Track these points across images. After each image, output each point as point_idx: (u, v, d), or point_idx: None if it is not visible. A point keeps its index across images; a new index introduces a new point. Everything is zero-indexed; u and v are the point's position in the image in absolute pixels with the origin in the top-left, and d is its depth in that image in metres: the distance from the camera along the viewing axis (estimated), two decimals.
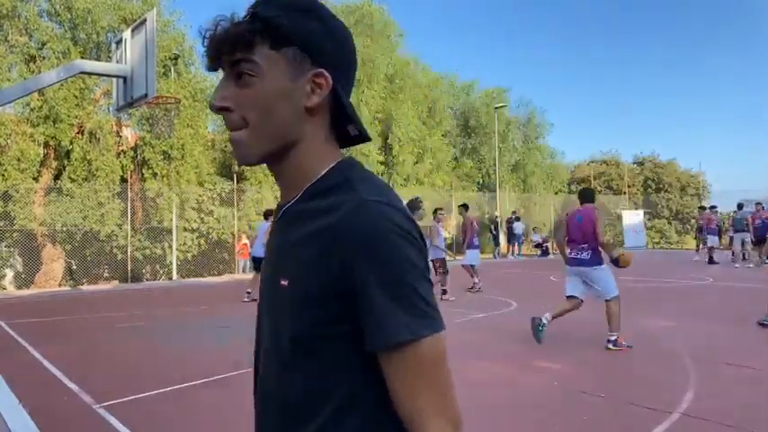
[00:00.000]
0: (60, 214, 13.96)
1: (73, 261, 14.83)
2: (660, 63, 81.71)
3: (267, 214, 9.87)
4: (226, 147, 17.70)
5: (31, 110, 13.89)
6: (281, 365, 0.79)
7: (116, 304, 10.31)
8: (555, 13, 75.59)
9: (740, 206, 15.95)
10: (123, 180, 15.20)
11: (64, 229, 14.19)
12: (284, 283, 0.77)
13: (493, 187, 24.79)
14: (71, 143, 14.42)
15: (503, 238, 23.14)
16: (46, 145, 14.23)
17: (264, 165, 0.84)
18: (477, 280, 10.85)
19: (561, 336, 6.34)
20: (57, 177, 14.75)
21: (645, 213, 26.89)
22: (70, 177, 14.41)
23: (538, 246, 23.07)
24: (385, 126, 21.36)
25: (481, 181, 26.24)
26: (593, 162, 32.43)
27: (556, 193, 29.02)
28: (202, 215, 16.12)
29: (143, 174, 15.47)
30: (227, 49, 0.77)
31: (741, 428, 3.44)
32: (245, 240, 16.19)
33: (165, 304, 10.48)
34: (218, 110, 0.79)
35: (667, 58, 79.79)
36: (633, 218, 25.12)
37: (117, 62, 7.97)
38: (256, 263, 9.92)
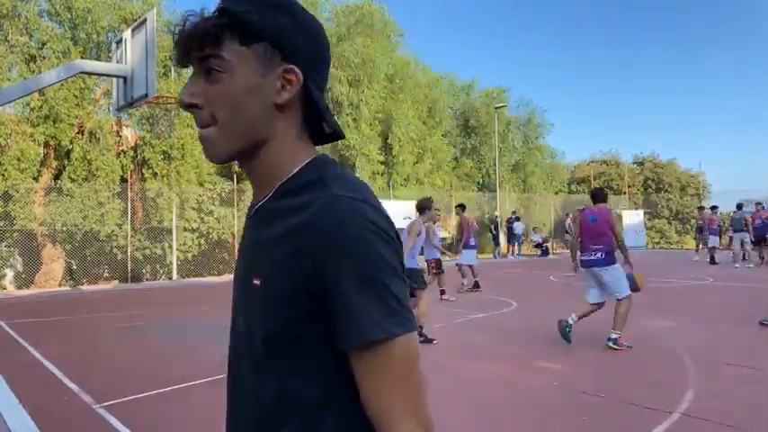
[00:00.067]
0: (60, 214, 13.96)
1: (73, 261, 14.82)
2: (660, 63, 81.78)
3: None
4: None
5: (31, 110, 13.88)
6: (255, 365, 0.78)
7: (116, 304, 10.31)
8: (555, 13, 75.63)
9: (739, 206, 15.95)
10: (123, 180, 15.19)
11: (64, 228, 14.18)
12: (257, 282, 0.76)
13: (493, 187, 24.79)
14: (71, 143, 14.41)
15: (503, 238, 23.12)
16: (46, 145, 14.22)
17: None
18: (464, 281, 10.85)
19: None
20: (57, 177, 14.74)
21: (645, 213, 26.89)
22: (70, 177, 14.41)
23: (538, 246, 23.07)
24: (385, 126, 21.35)
25: (481, 181, 26.24)
26: (593, 162, 32.42)
27: (556, 193, 29.02)
28: (202, 215, 16.12)
29: (143, 174, 15.46)
30: (195, 44, 0.76)
31: (741, 428, 3.44)
32: None
33: (166, 304, 10.48)
34: (187, 106, 0.78)
35: (667, 58, 79.84)
36: (633, 218, 25.11)
37: (117, 62, 7.97)
38: None
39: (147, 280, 15.31)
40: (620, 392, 4.28)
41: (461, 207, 10.95)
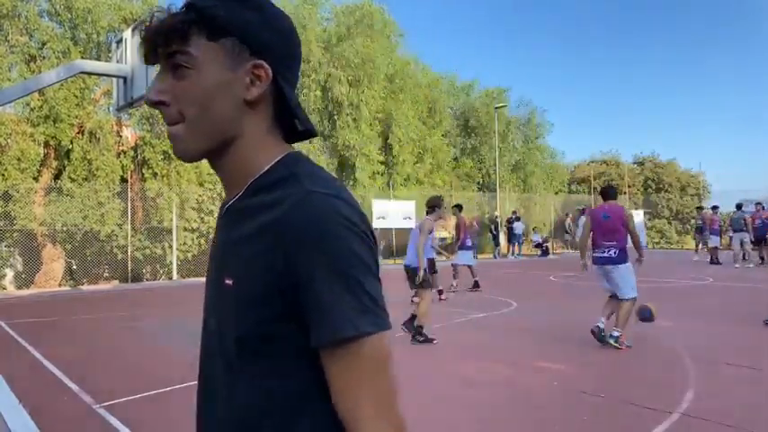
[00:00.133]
0: (60, 214, 13.96)
1: (73, 261, 14.82)
2: (660, 63, 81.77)
3: None
4: None
5: (32, 110, 13.89)
6: (227, 366, 0.76)
7: (116, 304, 10.31)
8: (555, 13, 75.64)
9: (739, 206, 15.96)
10: (123, 180, 15.19)
11: (64, 228, 14.18)
12: (229, 282, 0.75)
13: (493, 187, 24.79)
14: (71, 143, 14.41)
15: (503, 238, 23.13)
16: (46, 145, 14.22)
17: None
18: (455, 282, 10.83)
19: (561, 336, 6.34)
20: (57, 177, 14.74)
21: (645, 213, 26.87)
22: (70, 177, 14.41)
23: (538, 246, 23.08)
24: (385, 126, 21.35)
25: (481, 181, 26.24)
26: (593, 162, 32.44)
27: (556, 193, 29.03)
28: (202, 215, 16.12)
29: (143, 174, 15.47)
30: (161, 40, 0.75)
31: (741, 428, 3.44)
32: None
33: (166, 304, 10.48)
34: (154, 104, 0.77)
35: (667, 58, 79.84)
36: (633, 218, 25.10)
37: (117, 62, 7.96)
38: None
39: (147, 280, 15.31)
40: (620, 392, 4.27)
41: (458, 207, 10.96)
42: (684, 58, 69.49)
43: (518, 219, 22.28)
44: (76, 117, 14.27)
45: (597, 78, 70.38)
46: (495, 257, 22.04)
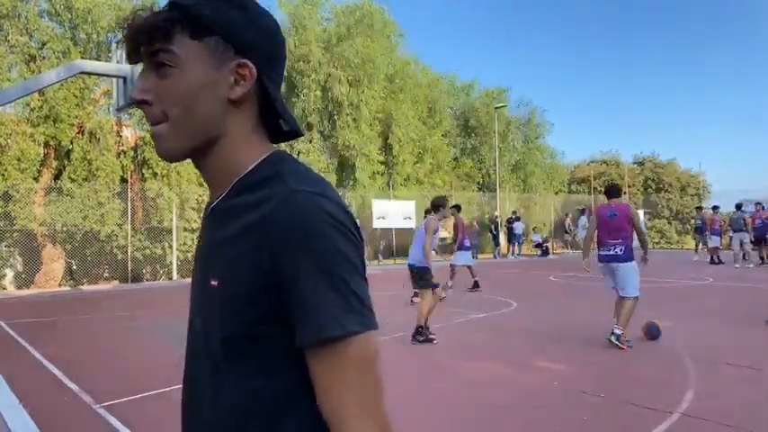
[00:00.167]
0: (60, 214, 13.96)
1: (73, 261, 14.82)
2: (660, 63, 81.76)
3: None
4: None
5: (32, 110, 13.89)
6: (213, 367, 0.76)
7: (116, 304, 10.32)
8: (555, 13, 75.64)
9: (738, 206, 15.97)
10: (123, 180, 15.20)
11: (64, 229, 14.18)
12: (214, 283, 0.74)
13: (493, 187, 24.79)
14: (71, 143, 14.42)
15: (503, 238, 23.14)
16: (46, 145, 14.23)
17: None
18: (449, 283, 10.83)
19: (561, 336, 6.34)
20: (57, 177, 14.75)
21: (645, 213, 26.89)
22: (70, 177, 14.41)
23: (538, 246, 23.08)
24: (385, 126, 21.36)
25: (481, 181, 26.25)
26: (593, 162, 32.45)
27: (556, 193, 29.04)
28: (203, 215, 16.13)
29: (143, 174, 15.47)
30: (144, 39, 0.74)
31: (741, 428, 3.44)
32: None
33: (166, 304, 10.48)
34: (137, 103, 0.76)
35: (667, 58, 79.83)
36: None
37: (117, 62, 7.95)
38: None
39: (147, 280, 15.31)
40: (620, 392, 4.27)
41: (457, 208, 10.96)
42: (684, 58, 69.55)
43: (518, 219, 22.29)
44: (76, 117, 14.27)
45: (597, 78, 70.46)
46: (495, 257, 22.05)
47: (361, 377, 0.69)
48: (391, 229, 19.96)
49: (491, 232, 22.67)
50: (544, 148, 28.85)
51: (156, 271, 15.95)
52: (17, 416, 3.89)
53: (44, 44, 14.04)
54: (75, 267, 14.82)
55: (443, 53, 65.79)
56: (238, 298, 0.71)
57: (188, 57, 0.74)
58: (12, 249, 14.23)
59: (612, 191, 6.18)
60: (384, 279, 13.36)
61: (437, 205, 6.69)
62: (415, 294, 8.96)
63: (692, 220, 21.86)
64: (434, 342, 6.10)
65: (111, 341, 6.69)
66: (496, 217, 22.69)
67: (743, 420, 3.57)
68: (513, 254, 22.17)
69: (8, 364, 5.44)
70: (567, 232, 24.06)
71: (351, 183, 20.51)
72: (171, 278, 15.34)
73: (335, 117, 19.83)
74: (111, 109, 14.74)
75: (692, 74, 67.47)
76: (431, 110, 24.10)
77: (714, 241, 16.79)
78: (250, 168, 0.77)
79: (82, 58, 13.72)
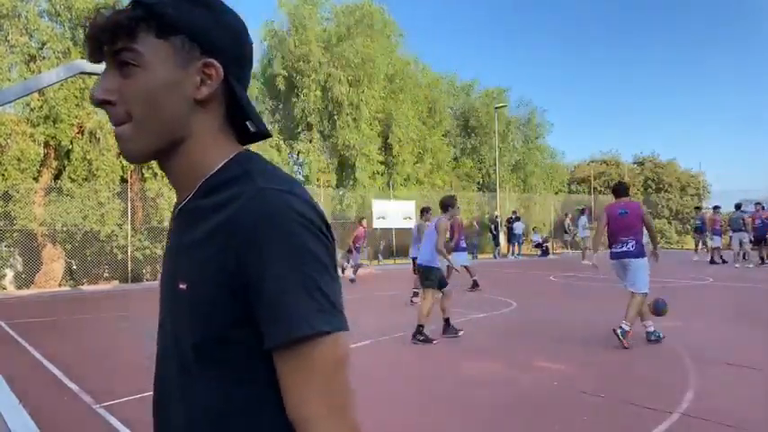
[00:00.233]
0: (60, 214, 13.96)
1: (73, 261, 14.83)
2: (660, 63, 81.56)
3: None
4: None
5: (32, 110, 13.89)
6: (183, 371, 0.74)
7: (116, 304, 10.32)
8: (555, 13, 75.47)
9: (738, 206, 15.97)
10: (123, 180, 15.19)
11: (64, 229, 14.18)
12: (183, 286, 0.73)
13: (493, 187, 24.79)
14: (71, 143, 14.42)
15: (503, 238, 23.13)
16: (46, 145, 14.23)
17: None
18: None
19: (561, 336, 6.34)
20: (57, 177, 14.75)
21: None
22: (70, 177, 14.41)
23: (538, 246, 23.07)
24: (385, 126, 21.36)
25: (481, 181, 26.26)
26: (593, 162, 32.44)
27: (556, 193, 29.03)
28: None
29: (143, 174, 15.47)
30: (106, 37, 0.72)
31: (741, 428, 3.44)
32: None
33: None
34: (100, 103, 0.74)
35: (667, 58, 79.63)
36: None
37: None
38: None
39: (147, 280, 15.31)
40: (620, 392, 4.27)
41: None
42: (684, 58, 69.38)
43: (518, 219, 22.29)
44: (76, 117, 14.27)
45: (597, 78, 70.29)
46: (495, 257, 22.04)
47: (329, 378, 0.67)
48: (391, 229, 19.96)
49: (491, 232, 22.67)
50: (544, 148, 28.87)
51: (156, 271, 15.94)
52: (17, 416, 3.89)
53: (44, 44, 14.04)
54: (75, 267, 14.82)
55: (443, 53, 65.69)
56: (207, 301, 0.70)
57: (152, 56, 0.72)
58: (12, 249, 14.24)
59: (620, 189, 6.24)
60: (384, 279, 13.31)
61: (447, 205, 6.68)
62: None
63: (692, 220, 21.85)
64: (434, 342, 6.10)
65: (112, 341, 6.69)
66: (496, 217, 22.69)
67: (743, 420, 3.57)
68: (512, 254, 22.17)
69: (8, 364, 5.44)
70: (566, 232, 24.04)
71: (351, 183, 20.52)
72: None
73: (335, 117, 19.84)
74: None
75: (692, 74, 67.39)
76: (431, 110, 24.11)
77: (716, 241, 16.79)
78: (216, 169, 0.76)
79: (82, 58, 13.70)
